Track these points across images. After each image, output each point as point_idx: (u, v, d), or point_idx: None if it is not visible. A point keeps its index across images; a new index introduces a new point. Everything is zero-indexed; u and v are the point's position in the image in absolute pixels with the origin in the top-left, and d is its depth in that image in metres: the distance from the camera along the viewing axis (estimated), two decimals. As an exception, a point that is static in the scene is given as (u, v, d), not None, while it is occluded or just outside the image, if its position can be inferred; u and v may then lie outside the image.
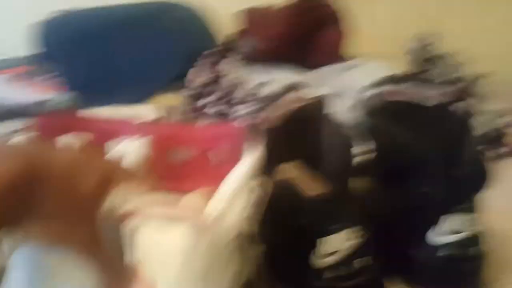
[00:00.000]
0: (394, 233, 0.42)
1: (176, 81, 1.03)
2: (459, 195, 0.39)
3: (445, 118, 0.45)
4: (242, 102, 0.87)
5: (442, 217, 0.38)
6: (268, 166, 0.42)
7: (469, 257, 0.38)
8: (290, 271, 0.40)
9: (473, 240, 0.39)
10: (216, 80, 1.00)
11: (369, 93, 0.71)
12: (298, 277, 0.39)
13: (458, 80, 0.76)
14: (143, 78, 0.97)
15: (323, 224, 0.37)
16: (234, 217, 0.32)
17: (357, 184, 0.47)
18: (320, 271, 0.37)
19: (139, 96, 0.97)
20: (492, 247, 0.41)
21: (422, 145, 0.40)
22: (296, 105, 0.45)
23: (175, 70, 1.02)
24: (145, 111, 0.92)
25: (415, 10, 1.39)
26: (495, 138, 0.76)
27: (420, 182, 0.39)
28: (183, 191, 0.40)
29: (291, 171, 0.44)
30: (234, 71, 1.01)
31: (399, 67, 0.82)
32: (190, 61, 0.99)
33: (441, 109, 0.45)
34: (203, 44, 1.03)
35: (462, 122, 0.44)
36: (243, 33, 0.94)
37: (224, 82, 0.97)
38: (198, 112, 0.92)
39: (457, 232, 0.38)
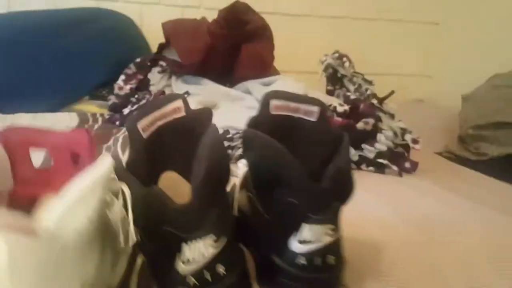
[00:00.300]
0: (262, 240, 0.44)
1: (102, 87, 1.02)
2: (320, 206, 0.41)
3: (321, 132, 0.48)
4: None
5: (302, 225, 0.40)
6: (145, 174, 0.43)
7: (326, 266, 0.41)
8: (162, 278, 0.41)
9: (330, 249, 0.41)
10: (143, 89, 1.00)
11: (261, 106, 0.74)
12: (168, 283, 0.40)
13: (367, 97, 0.81)
14: (67, 84, 0.96)
15: (184, 232, 0.38)
16: (78, 225, 0.32)
17: (236, 195, 0.49)
18: (183, 277, 0.38)
19: (61, 102, 0.95)
20: (349, 256, 0.44)
21: (291, 157, 0.42)
22: (179, 115, 0.46)
23: (102, 76, 1.01)
24: (65, 119, 0.91)
25: (332, 32, 1.49)
26: (399, 154, 0.81)
27: (285, 191, 0.41)
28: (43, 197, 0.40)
29: (167, 180, 0.46)
30: (162, 81, 1.01)
31: (314, 84, 0.86)
32: (119, 68, 0.99)
33: (319, 124, 0.48)
34: (134, 52, 1.03)
35: (335, 137, 0.46)
36: (169, 44, 0.95)
37: (151, 92, 0.97)
38: (122, 120, 0.92)
39: (315, 241, 0.40)
